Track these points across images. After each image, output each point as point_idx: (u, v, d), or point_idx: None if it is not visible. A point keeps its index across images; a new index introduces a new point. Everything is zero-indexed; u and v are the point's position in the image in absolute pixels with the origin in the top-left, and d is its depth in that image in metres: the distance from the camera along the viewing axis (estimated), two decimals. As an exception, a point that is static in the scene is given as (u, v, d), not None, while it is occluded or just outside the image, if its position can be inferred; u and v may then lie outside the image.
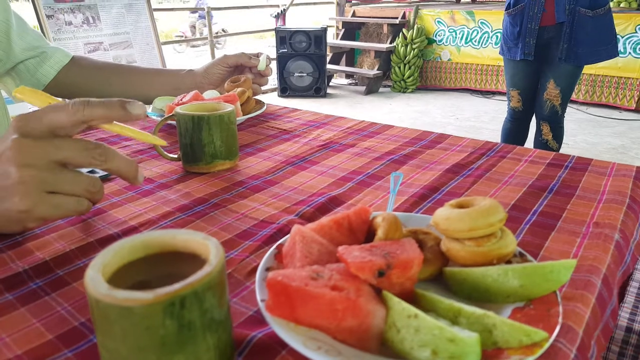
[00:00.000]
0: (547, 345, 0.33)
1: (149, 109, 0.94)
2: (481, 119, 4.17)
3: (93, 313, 0.28)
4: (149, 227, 0.55)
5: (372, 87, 5.20)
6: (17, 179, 0.44)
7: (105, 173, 0.68)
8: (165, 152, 0.71)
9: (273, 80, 5.07)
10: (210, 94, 0.92)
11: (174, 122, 0.83)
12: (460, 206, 0.45)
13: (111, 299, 0.27)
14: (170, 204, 0.60)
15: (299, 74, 4.79)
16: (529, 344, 0.33)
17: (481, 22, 4.89)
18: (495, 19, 4.78)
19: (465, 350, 0.31)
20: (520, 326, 0.34)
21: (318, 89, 4.86)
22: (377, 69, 5.23)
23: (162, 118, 0.71)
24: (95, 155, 0.47)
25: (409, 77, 5.18)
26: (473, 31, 4.96)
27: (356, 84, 5.67)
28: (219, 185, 0.66)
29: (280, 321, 0.35)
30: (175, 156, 0.72)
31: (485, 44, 4.93)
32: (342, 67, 5.60)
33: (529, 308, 0.38)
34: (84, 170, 0.64)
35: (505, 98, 2.60)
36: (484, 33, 4.92)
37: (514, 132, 2.60)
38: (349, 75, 5.84)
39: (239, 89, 0.94)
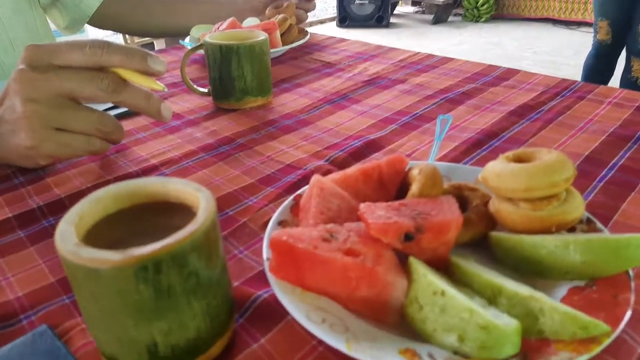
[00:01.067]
0: (607, 342, 0.26)
1: (187, 39, 0.90)
2: (563, 53, 3.77)
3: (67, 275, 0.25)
4: (170, 166, 0.51)
5: (440, 15, 4.83)
6: (21, 113, 0.42)
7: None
8: (195, 86, 0.67)
9: (332, 9, 4.83)
10: (249, 22, 0.85)
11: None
12: (518, 159, 0.37)
13: (77, 259, 0.23)
14: (195, 142, 0.57)
15: (360, 2, 4.51)
16: (584, 339, 0.27)
17: (571, -59, 4.31)
18: (589, -64, 4.19)
19: (499, 341, 0.26)
20: (576, 315, 0.27)
21: (380, 17, 4.57)
22: (448, -4, 4.83)
23: (190, 48, 0.66)
24: (102, 87, 0.43)
25: (483, 5, 4.74)
26: (561, -49, 4.40)
27: (423, 12, 5.28)
28: (248, 124, 0.61)
29: (285, 285, 0.31)
30: (206, 90, 0.67)
31: (574, -33, 4.37)
32: (409, -6, 5.22)
33: (590, 289, 0.31)
34: (102, 107, 0.61)
35: (592, 30, 2.31)
36: (573, -47, 4.35)
37: (598, 68, 2.32)
38: (415, 3, 5.44)
39: (280, 16, 0.86)
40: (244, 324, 0.31)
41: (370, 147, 0.54)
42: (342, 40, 0.98)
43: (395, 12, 5.23)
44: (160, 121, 0.48)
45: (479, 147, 0.54)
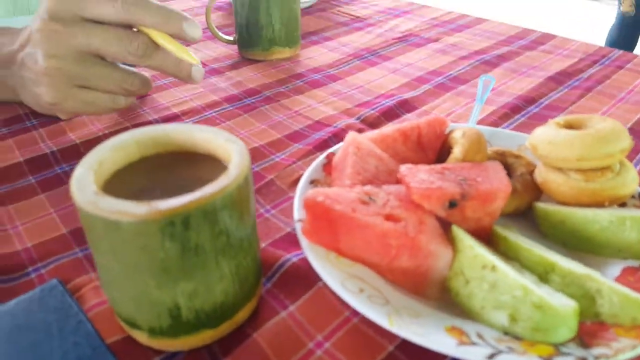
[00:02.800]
0: (672, 330, 0.24)
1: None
2: (582, 25, 3.63)
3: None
4: (192, 116, 0.48)
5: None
6: (43, 69, 0.38)
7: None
8: (221, 34, 0.63)
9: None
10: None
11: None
12: (569, 126, 0.34)
13: (95, 209, 0.20)
14: (219, 92, 0.53)
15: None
16: (646, 325, 0.25)
17: None
18: None
19: (554, 322, 0.23)
20: (638, 299, 0.25)
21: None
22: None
23: (217, -8, 0.62)
24: (131, 50, 0.39)
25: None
26: None
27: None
28: (274, 76, 0.58)
29: (319, 250, 0.28)
30: (231, 38, 0.63)
31: None
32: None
33: (647, 271, 0.29)
34: None
35: (614, 2, 2.22)
36: None
37: (621, 41, 2.24)
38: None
39: (309, -35, 0.81)
40: (270, 289, 0.29)
41: (404, 107, 0.51)
42: (371, -6, 0.93)
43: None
44: (189, 83, 0.44)
45: (517, 113, 0.51)
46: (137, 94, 0.44)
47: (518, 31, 0.75)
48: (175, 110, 0.49)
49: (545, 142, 0.33)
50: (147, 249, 0.21)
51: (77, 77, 0.40)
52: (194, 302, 0.23)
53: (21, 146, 0.43)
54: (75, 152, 0.42)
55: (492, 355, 0.22)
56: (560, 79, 0.59)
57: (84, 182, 0.22)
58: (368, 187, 0.30)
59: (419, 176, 0.30)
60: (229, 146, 0.25)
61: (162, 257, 0.21)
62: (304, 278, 0.29)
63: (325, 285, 0.29)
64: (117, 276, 0.23)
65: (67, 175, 0.40)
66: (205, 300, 0.24)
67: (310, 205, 0.28)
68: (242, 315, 0.26)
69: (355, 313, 0.27)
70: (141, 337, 0.25)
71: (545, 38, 0.72)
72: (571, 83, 0.58)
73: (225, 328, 0.26)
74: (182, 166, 0.26)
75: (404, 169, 0.30)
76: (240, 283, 0.25)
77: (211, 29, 0.62)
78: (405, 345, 0.26)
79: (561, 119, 0.35)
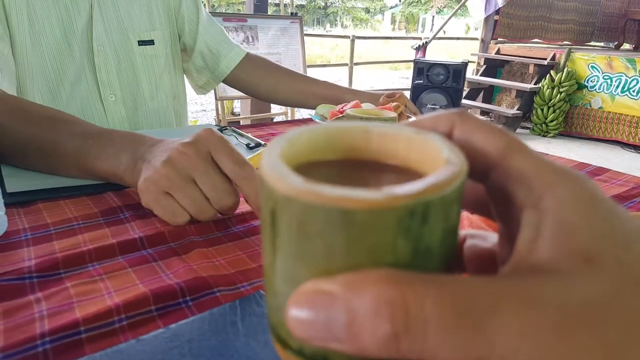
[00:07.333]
0: None
1: (314, 113, 1.06)
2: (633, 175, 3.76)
3: (273, 224, 0.17)
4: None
5: (509, 126, 5.00)
6: (162, 202, 0.50)
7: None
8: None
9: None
10: (366, 106, 1.00)
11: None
12: None
13: (315, 197, 0.15)
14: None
15: (432, 106, 4.78)
16: None
17: (643, 72, 4.48)
18: (662, 68, 4.33)
19: None
20: None
21: (450, 123, 4.80)
22: (517, 109, 5.02)
23: (330, 120, 0.80)
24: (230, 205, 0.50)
25: (552, 121, 4.88)
26: (632, 80, 4.56)
27: (491, 122, 5.47)
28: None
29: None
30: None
31: (645, 95, 4.49)
32: (478, 103, 5.48)
33: None
34: None
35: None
36: (645, 83, 4.49)
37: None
38: (484, 113, 5.68)
39: (394, 103, 1.01)
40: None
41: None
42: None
43: (463, 119, 5.46)
44: None
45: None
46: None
47: (574, 164, 0.88)
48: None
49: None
50: (374, 251, 0.16)
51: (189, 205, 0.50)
52: None
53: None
54: (227, 225, 0.54)
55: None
56: (618, 200, 0.70)
57: (281, 170, 0.16)
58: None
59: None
60: (426, 138, 0.19)
61: (390, 261, 0.16)
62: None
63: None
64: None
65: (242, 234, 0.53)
66: None
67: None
68: None
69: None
70: None
71: (599, 170, 0.85)
72: (628, 204, 0.69)
73: None
74: (360, 172, 0.21)
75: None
76: None
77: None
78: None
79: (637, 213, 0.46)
